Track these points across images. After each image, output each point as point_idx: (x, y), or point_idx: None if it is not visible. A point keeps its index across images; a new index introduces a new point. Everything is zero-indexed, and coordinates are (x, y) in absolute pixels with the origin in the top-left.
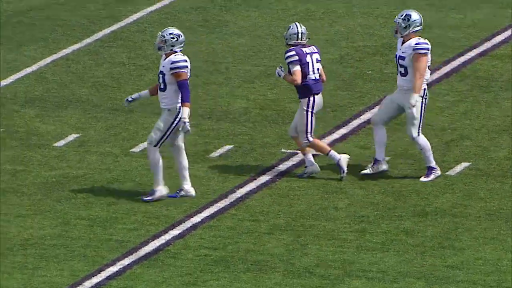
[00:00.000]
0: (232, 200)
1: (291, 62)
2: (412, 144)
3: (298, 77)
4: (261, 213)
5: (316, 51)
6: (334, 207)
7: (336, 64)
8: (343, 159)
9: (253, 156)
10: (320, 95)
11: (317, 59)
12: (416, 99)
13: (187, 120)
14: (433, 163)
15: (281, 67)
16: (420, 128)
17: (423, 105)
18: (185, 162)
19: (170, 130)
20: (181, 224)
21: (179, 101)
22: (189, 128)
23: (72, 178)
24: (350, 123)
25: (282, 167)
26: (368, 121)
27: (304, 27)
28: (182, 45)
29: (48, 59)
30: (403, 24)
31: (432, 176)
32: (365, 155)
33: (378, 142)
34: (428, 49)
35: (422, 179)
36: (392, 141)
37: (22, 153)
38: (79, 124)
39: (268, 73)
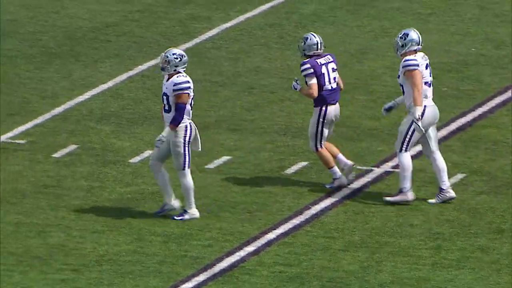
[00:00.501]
0: (307, 217)
1: (307, 75)
2: (487, 161)
3: (314, 91)
4: (336, 230)
5: (332, 60)
6: (409, 224)
7: None
8: (340, 180)
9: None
10: (336, 104)
11: (333, 68)
12: (418, 112)
13: (164, 138)
14: (405, 186)
15: (297, 80)
16: (407, 146)
17: (413, 122)
18: (166, 176)
19: (186, 149)
20: (256, 240)
21: (186, 119)
22: (159, 145)
23: (147, 195)
24: None
25: (357, 184)
26: (443, 138)
27: (320, 36)
28: (185, 65)
29: (124, 76)
30: (400, 43)
31: (397, 198)
32: None
33: (437, 171)
34: (416, 64)
35: (386, 198)
36: (468, 158)
37: (97, 170)
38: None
39: (343, 90)
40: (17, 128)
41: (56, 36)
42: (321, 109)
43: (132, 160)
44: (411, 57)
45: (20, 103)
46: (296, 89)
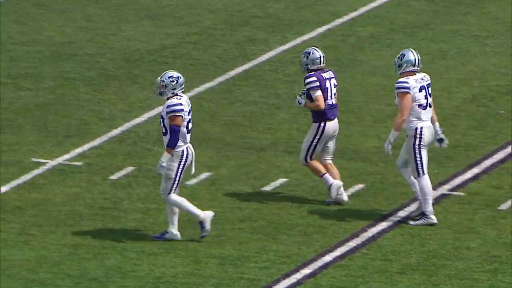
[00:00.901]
0: (363, 240)
1: (312, 87)
2: None
3: (321, 102)
4: (392, 252)
5: (334, 76)
6: (466, 247)
7: (468, 103)
8: (335, 186)
9: (385, 195)
10: (335, 120)
11: (334, 84)
12: (392, 137)
13: (164, 163)
14: (428, 209)
15: (301, 95)
16: (422, 169)
17: (415, 145)
18: (176, 208)
19: (179, 175)
20: (312, 263)
21: (182, 144)
22: (161, 171)
23: None
24: (483, 163)
25: (414, 206)
26: (500, 161)
27: (321, 50)
28: (182, 86)
29: None
30: (397, 63)
31: (421, 222)
32: (498, 195)
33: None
34: (406, 87)
35: (410, 222)
36: None
37: (154, 191)
38: (211, 163)
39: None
40: (74, 150)
41: (114, 58)
42: (319, 125)
43: (188, 182)
44: (404, 79)
45: (78, 125)
46: (300, 104)
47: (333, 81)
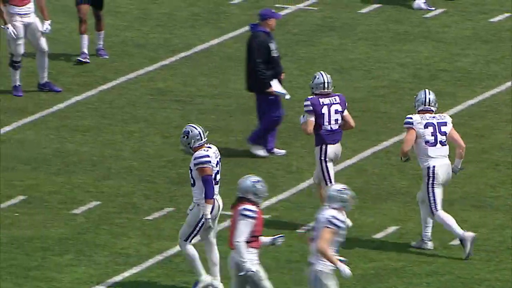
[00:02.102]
0: None
1: (306, 111)
2: None
3: (309, 127)
4: None
5: (338, 102)
6: None
7: None
8: None
9: None
10: (337, 144)
11: (336, 110)
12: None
13: (208, 216)
14: (426, 234)
15: (304, 115)
16: (435, 206)
17: (429, 184)
18: (215, 258)
19: (199, 225)
20: None
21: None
22: (210, 224)
23: (391, 270)
24: None
25: None
26: None
27: (329, 76)
28: (198, 136)
29: (369, 151)
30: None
31: (418, 244)
32: None
33: (424, 221)
34: (409, 123)
35: (412, 243)
36: None
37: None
38: (399, 216)
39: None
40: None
41: (302, 112)
42: (321, 148)
43: (376, 236)
44: (410, 115)
45: (266, 178)
46: (301, 122)
47: (335, 106)
